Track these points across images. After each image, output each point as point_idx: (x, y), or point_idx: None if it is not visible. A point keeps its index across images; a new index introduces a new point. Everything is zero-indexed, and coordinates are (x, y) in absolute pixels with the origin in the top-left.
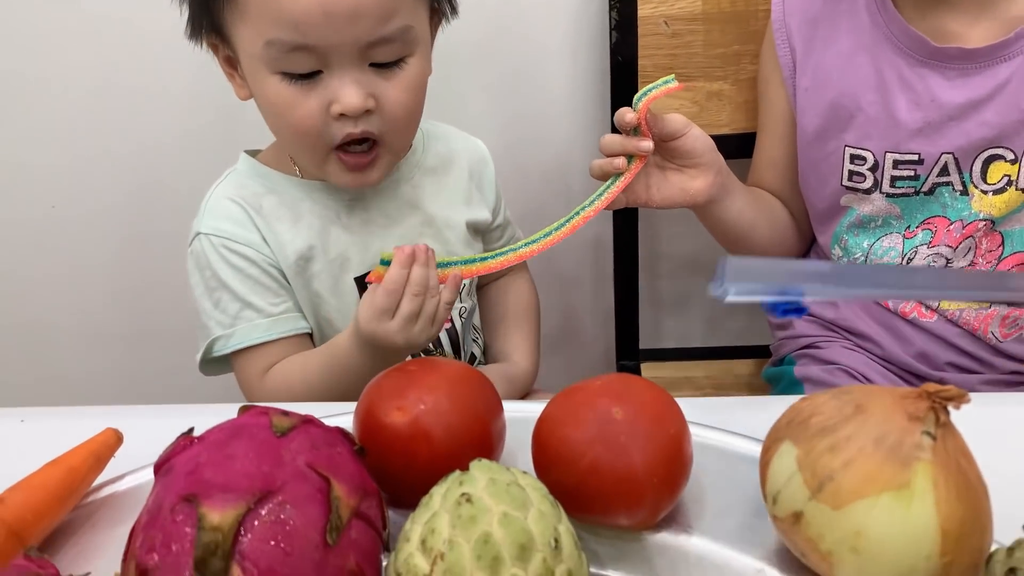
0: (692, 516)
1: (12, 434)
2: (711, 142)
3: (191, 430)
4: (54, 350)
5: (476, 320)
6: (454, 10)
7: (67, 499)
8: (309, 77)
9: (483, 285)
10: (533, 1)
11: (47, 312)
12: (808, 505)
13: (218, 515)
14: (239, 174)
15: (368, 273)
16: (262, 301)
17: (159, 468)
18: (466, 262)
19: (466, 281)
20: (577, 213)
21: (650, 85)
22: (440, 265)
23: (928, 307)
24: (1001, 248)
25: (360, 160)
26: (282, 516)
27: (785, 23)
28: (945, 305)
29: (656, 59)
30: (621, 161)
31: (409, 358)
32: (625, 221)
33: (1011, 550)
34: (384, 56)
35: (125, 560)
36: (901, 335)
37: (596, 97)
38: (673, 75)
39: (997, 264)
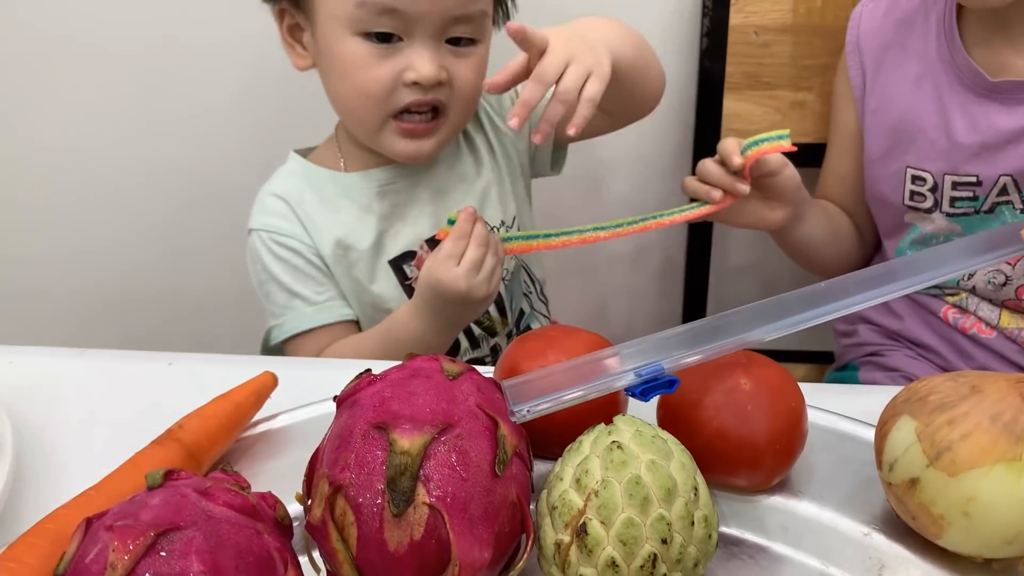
0: (802, 483)
1: (161, 375)
2: (799, 180)
3: (368, 370)
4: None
5: (523, 275)
6: (507, 15)
7: (233, 430)
8: (388, 42)
9: None
10: (628, 3)
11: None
12: (925, 472)
13: (407, 441)
14: (286, 172)
15: (407, 253)
16: (307, 290)
17: (343, 401)
18: (527, 238)
19: None
20: (655, 217)
21: (763, 136)
22: (504, 240)
23: (988, 324)
24: None
25: (420, 127)
26: (460, 446)
27: (859, 46)
28: (1005, 323)
29: (744, 67)
30: (719, 194)
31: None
32: (699, 236)
33: None
34: (462, 32)
35: (312, 479)
36: (962, 350)
37: (682, 101)
38: (788, 131)
39: None
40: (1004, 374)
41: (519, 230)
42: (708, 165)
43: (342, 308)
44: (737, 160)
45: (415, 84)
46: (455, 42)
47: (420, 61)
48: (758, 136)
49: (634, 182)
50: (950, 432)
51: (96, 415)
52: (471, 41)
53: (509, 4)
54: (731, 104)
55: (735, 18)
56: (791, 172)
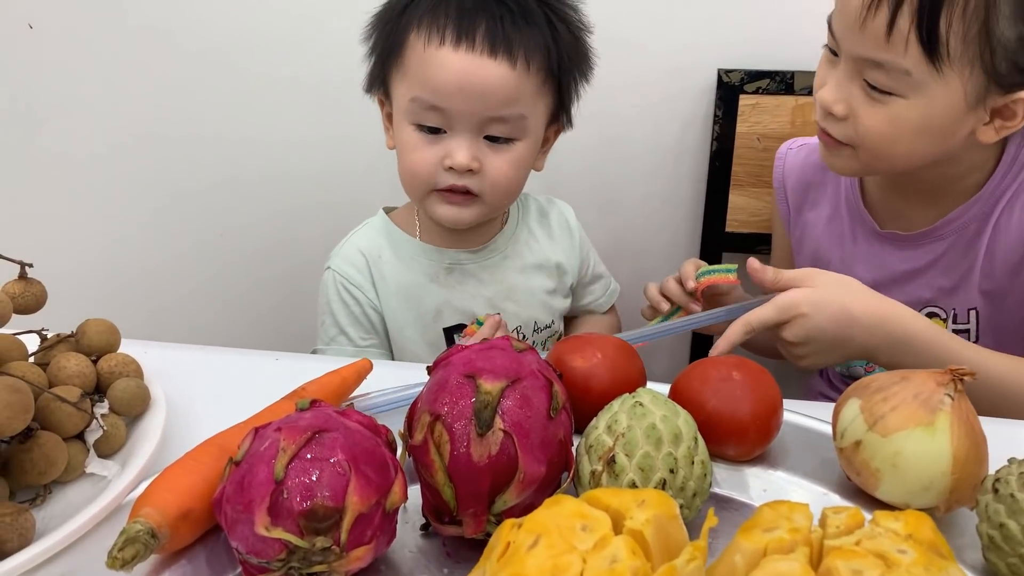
0: (778, 458)
1: (270, 369)
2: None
3: (458, 344)
4: None
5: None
6: (570, 122)
7: (341, 397)
8: (435, 133)
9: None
10: (650, 112)
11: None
12: (866, 435)
13: (490, 385)
14: (372, 227)
15: (459, 325)
16: (355, 333)
17: (438, 364)
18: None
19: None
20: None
21: (715, 267)
22: None
23: None
24: None
25: (458, 197)
26: (526, 393)
27: (784, 183)
28: None
29: (747, 168)
30: (667, 306)
31: None
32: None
33: (998, 471)
34: (497, 132)
35: (414, 417)
36: None
37: (694, 195)
38: (736, 266)
39: None
40: (927, 370)
41: (546, 333)
42: (669, 283)
43: (379, 357)
44: (691, 284)
45: (451, 169)
46: (494, 139)
47: (457, 150)
48: (714, 267)
49: (648, 264)
50: (884, 406)
51: (220, 396)
52: (508, 140)
53: (572, 112)
54: (735, 198)
55: (741, 127)
56: (739, 294)
